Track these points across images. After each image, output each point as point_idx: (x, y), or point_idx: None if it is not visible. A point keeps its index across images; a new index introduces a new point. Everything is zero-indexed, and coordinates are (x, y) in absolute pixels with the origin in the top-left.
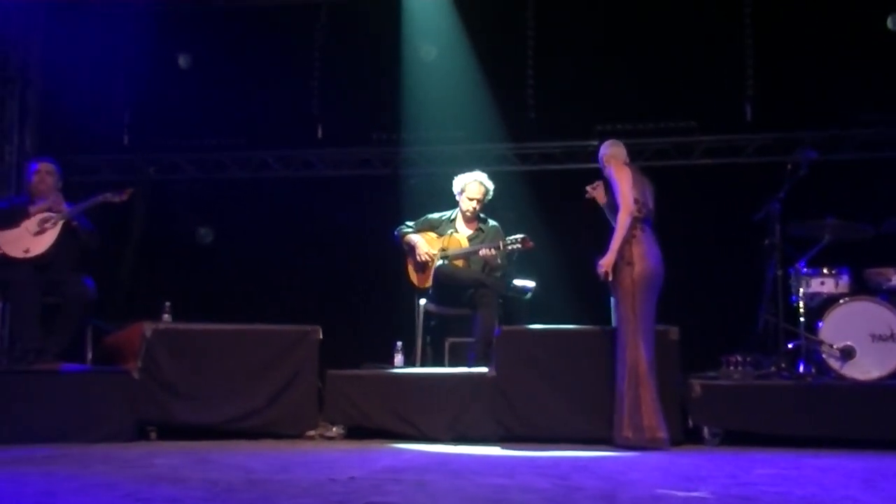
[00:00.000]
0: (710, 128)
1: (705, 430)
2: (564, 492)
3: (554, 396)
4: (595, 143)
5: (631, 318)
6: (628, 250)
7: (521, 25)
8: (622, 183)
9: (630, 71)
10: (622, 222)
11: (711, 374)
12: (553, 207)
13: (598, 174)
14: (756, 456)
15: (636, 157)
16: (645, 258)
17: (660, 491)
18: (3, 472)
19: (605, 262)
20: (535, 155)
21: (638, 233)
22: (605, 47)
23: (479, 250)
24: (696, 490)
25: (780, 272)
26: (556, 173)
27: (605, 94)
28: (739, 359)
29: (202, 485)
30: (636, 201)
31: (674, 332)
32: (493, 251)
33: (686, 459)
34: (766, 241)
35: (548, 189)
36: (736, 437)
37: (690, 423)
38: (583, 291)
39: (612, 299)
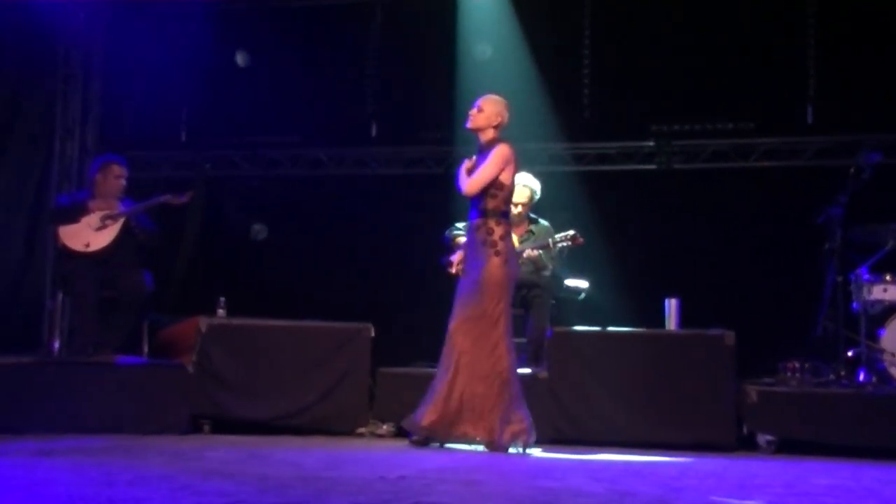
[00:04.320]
0: (770, 129)
1: (760, 438)
2: (615, 497)
3: (606, 399)
4: (651, 143)
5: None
6: (502, 245)
7: (578, 24)
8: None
9: (687, 70)
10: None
11: (768, 380)
12: (608, 208)
13: (654, 175)
14: (813, 465)
15: (693, 159)
16: (512, 257)
17: (713, 498)
18: (61, 462)
19: None
20: (590, 155)
21: (510, 229)
22: (662, 46)
23: (525, 250)
24: (750, 499)
25: (840, 278)
26: (611, 174)
27: (661, 93)
28: (797, 365)
29: (254, 479)
30: (511, 194)
31: (729, 337)
32: (536, 252)
33: (740, 467)
34: (827, 246)
35: (603, 190)
36: (792, 446)
37: (745, 429)
38: (636, 293)
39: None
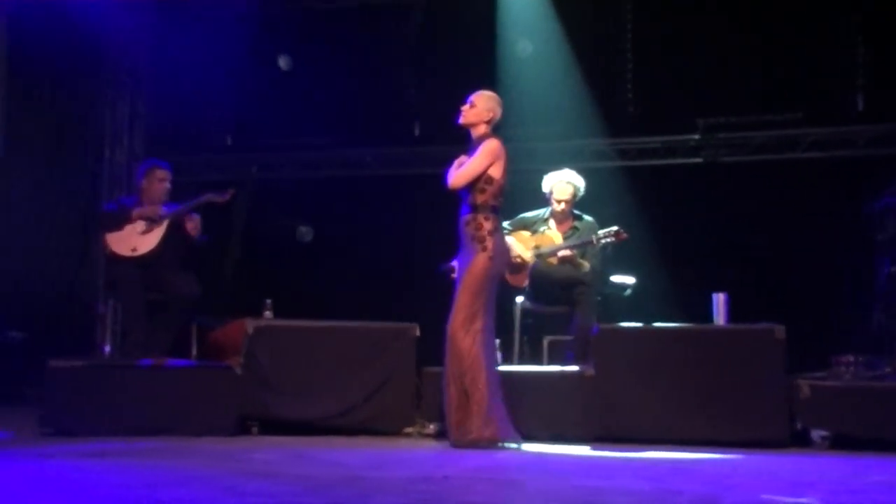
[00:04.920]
0: (819, 119)
1: (814, 433)
2: (663, 496)
3: (654, 396)
4: (696, 136)
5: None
6: (490, 241)
7: (620, 17)
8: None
9: (733, 61)
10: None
11: (820, 374)
12: (653, 203)
13: (699, 168)
14: (868, 461)
15: (739, 152)
16: (500, 253)
17: (764, 497)
18: (109, 463)
19: None
20: (635, 150)
21: (500, 224)
22: (706, 36)
23: (569, 247)
24: (802, 496)
25: (893, 269)
26: (656, 168)
27: (706, 85)
28: (851, 359)
29: (297, 480)
30: (501, 189)
31: (780, 332)
32: (571, 251)
33: (793, 463)
34: (879, 237)
35: (648, 185)
36: (846, 441)
37: (798, 425)
38: (683, 288)
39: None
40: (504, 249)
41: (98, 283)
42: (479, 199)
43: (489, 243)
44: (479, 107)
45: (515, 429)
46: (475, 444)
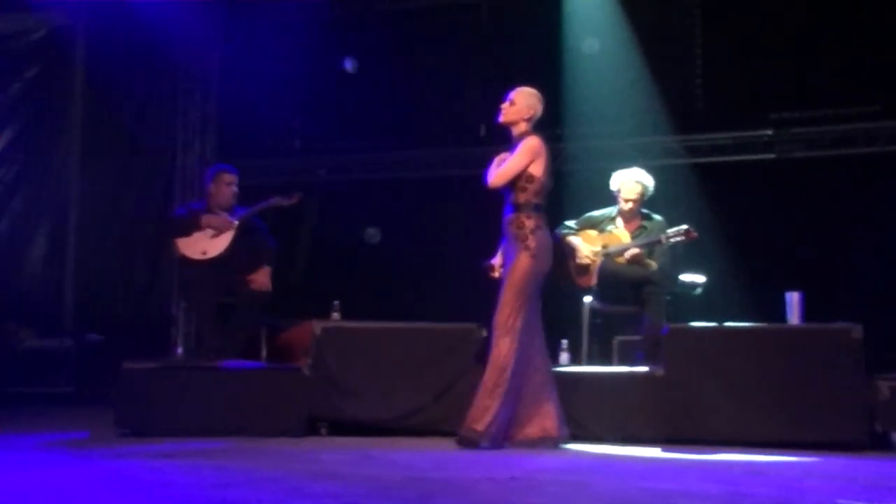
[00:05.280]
0: None
1: (894, 436)
2: (731, 499)
3: (726, 397)
4: (769, 132)
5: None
6: (532, 239)
7: (688, 10)
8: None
9: (805, 53)
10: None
11: None
12: (724, 201)
13: (772, 164)
14: None
15: (813, 147)
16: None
17: (839, 501)
18: (179, 464)
19: None
20: (705, 147)
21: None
22: (777, 28)
23: (637, 246)
24: (880, 501)
25: None
26: (726, 165)
27: (778, 79)
28: None
29: (363, 481)
30: (543, 187)
31: (857, 331)
32: (637, 250)
33: (871, 467)
34: None
35: (718, 182)
36: None
37: (878, 427)
38: (756, 287)
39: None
40: (547, 247)
41: (172, 287)
42: (521, 197)
43: (531, 242)
44: (520, 104)
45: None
46: (464, 438)
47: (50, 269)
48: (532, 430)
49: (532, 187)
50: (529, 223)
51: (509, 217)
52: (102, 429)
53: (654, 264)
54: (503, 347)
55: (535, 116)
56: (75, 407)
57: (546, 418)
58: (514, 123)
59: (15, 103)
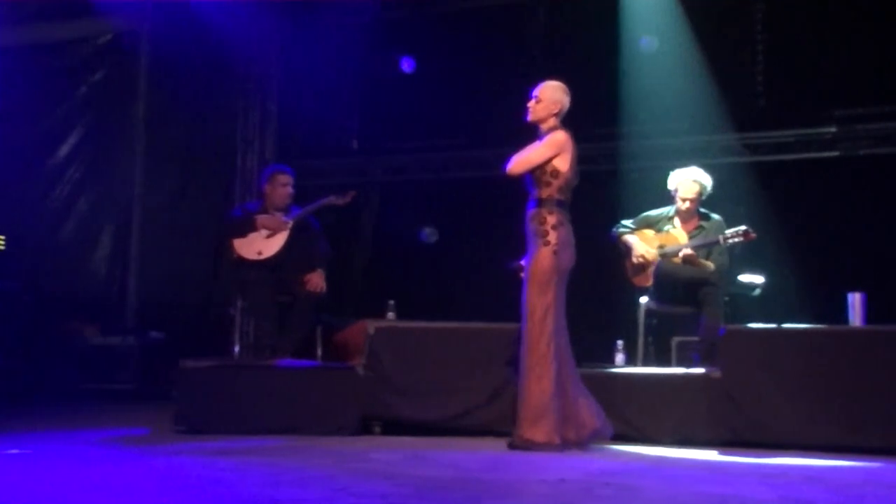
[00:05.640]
0: None
1: None
2: None
3: (785, 399)
4: (833, 129)
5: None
6: (553, 234)
7: (748, 7)
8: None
9: (870, 47)
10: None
11: None
12: (785, 199)
13: (835, 162)
14: None
15: (881, 143)
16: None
17: None
18: (232, 461)
19: None
20: (766, 145)
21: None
22: (841, 22)
23: (694, 247)
24: None
25: None
26: (788, 163)
27: (842, 74)
28: None
29: (412, 481)
30: (567, 183)
31: None
32: (691, 251)
33: None
34: None
35: (780, 180)
36: None
37: None
38: (817, 288)
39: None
40: (570, 243)
41: (230, 287)
42: (545, 192)
43: (552, 237)
44: (546, 100)
45: (573, 437)
46: (519, 446)
47: (114, 269)
48: (569, 432)
49: (557, 182)
50: (552, 219)
51: (531, 212)
52: (162, 426)
53: (710, 265)
54: (541, 350)
55: (562, 111)
56: (137, 404)
57: (583, 414)
58: (543, 120)
59: (82, 106)
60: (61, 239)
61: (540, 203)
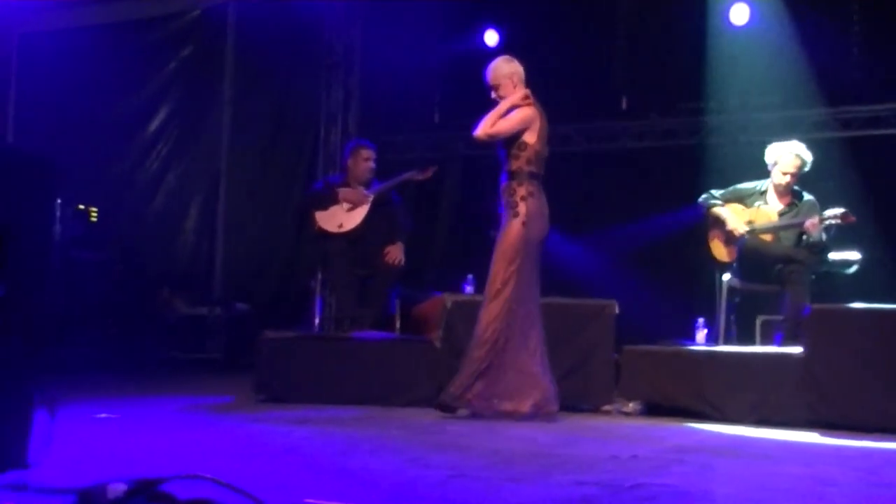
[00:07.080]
0: None
1: None
2: (869, 488)
3: (871, 381)
4: None
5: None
6: (522, 206)
7: None
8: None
9: None
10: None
11: None
12: (881, 176)
13: None
14: None
15: None
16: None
17: None
18: (313, 429)
19: None
20: (861, 119)
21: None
22: None
23: (783, 227)
24: None
25: None
26: (884, 138)
27: None
28: None
29: (484, 454)
30: (537, 154)
31: None
32: (770, 235)
33: None
34: None
35: (875, 156)
36: None
37: None
38: None
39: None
40: (540, 214)
41: (312, 259)
42: (514, 165)
43: (521, 208)
44: (502, 82)
45: (508, 408)
46: (441, 401)
47: (201, 241)
48: (522, 404)
49: (525, 155)
50: (521, 190)
51: (503, 185)
52: (245, 394)
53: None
54: (488, 315)
55: (520, 76)
56: (223, 373)
57: (537, 391)
58: (509, 98)
59: (170, 82)
60: (151, 211)
61: (511, 175)
